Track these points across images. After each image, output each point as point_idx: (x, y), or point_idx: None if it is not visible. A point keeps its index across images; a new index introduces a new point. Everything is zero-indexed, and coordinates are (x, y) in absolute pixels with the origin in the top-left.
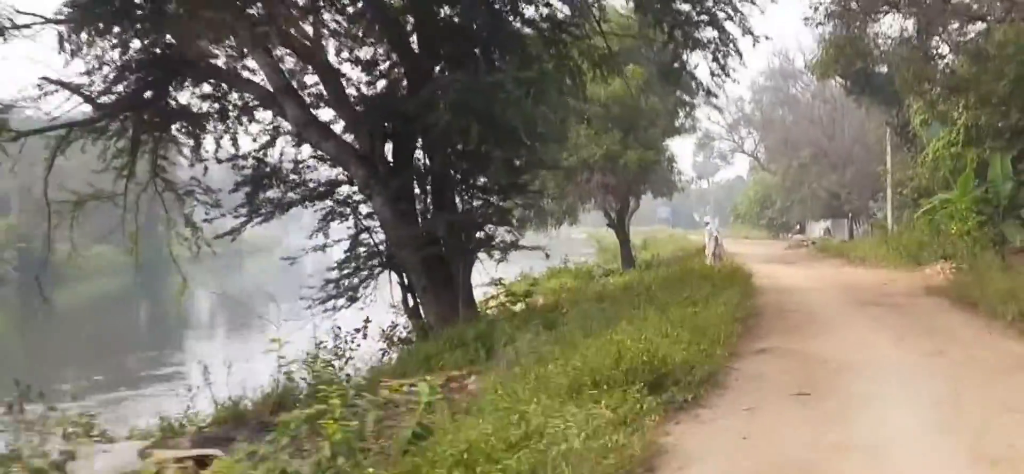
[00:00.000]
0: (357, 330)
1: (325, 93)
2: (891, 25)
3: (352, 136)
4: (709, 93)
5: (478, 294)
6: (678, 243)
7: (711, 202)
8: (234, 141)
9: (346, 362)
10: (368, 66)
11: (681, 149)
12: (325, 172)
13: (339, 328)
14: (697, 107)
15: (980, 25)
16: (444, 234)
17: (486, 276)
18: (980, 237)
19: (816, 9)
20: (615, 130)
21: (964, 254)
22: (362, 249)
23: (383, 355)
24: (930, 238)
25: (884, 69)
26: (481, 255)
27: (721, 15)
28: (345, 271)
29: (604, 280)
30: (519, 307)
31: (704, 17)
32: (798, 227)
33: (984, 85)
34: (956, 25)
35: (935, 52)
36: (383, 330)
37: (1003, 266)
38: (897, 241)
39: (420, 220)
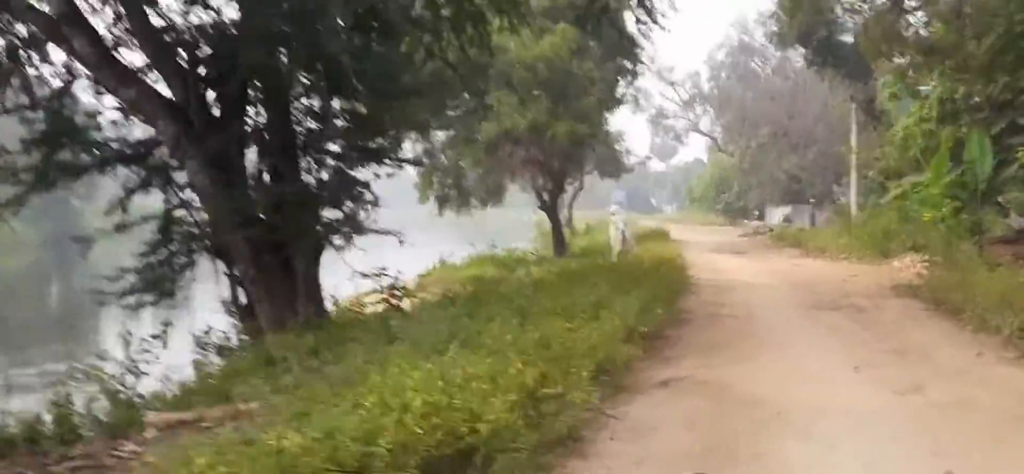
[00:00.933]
0: (154, 336)
1: (125, 21)
2: None
3: (164, 81)
4: (633, 44)
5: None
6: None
7: (669, 185)
8: (26, 87)
9: (138, 379)
10: None
11: (633, 127)
12: (141, 129)
13: (131, 334)
14: (640, 76)
15: None
16: (273, 211)
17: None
18: (955, 226)
19: None
20: (543, 97)
21: (937, 246)
22: (177, 229)
23: (197, 369)
24: (899, 226)
25: (850, 40)
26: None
27: None
28: (153, 258)
29: (521, 271)
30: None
31: None
32: (757, 213)
33: (962, 50)
34: None
35: (906, 16)
36: (196, 336)
37: (984, 260)
38: (862, 230)
39: (251, 193)
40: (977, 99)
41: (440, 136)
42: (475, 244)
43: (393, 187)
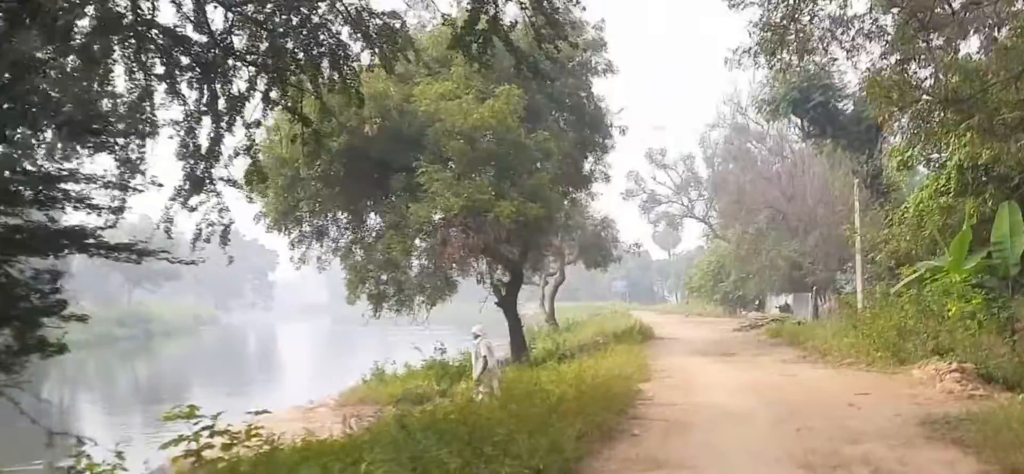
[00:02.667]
0: None
1: None
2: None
3: None
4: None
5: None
6: (613, 323)
7: (672, 274)
8: None
9: None
10: None
11: (628, 214)
12: None
13: None
14: (609, 149)
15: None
16: None
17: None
18: (986, 321)
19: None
20: (485, 173)
21: (967, 348)
22: None
23: None
24: (916, 322)
25: (849, 107)
26: None
27: None
28: None
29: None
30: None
31: None
32: (756, 302)
33: (988, 103)
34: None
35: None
36: None
37: None
38: (871, 326)
39: None
40: (1006, 165)
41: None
42: (421, 347)
43: None
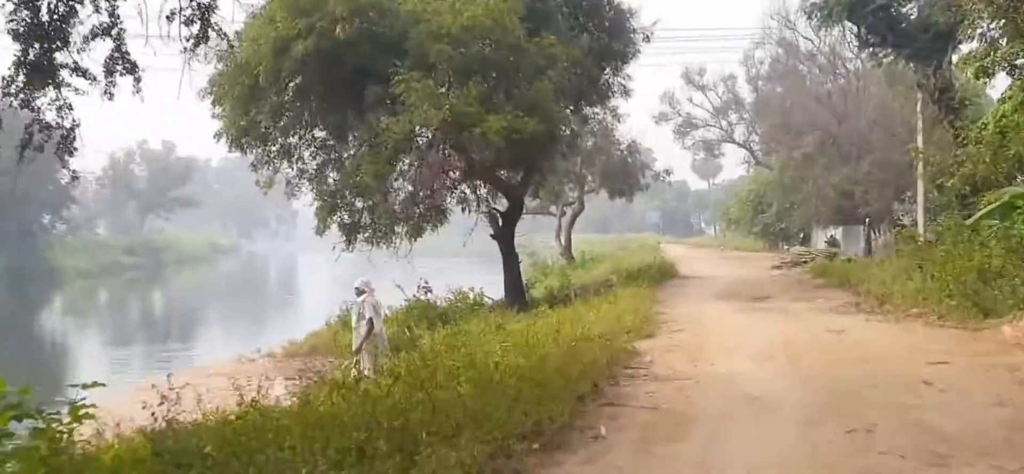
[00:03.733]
0: None
1: None
2: None
3: None
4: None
5: None
6: (638, 258)
7: (712, 205)
8: None
9: None
10: None
11: (659, 139)
12: None
13: None
14: (630, 59)
15: None
16: None
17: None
18: None
19: None
20: (476, 82)
21: None
22: None
23: None
24: (1004, 262)
25: (913, 12)
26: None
27: None
28: None
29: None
30: None
31: None
32: (801, 236)
33: None
34: None
35: None
36: None
37: None
38: (942, 267)
39: None
40: None
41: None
42: (404, 286)
43: None
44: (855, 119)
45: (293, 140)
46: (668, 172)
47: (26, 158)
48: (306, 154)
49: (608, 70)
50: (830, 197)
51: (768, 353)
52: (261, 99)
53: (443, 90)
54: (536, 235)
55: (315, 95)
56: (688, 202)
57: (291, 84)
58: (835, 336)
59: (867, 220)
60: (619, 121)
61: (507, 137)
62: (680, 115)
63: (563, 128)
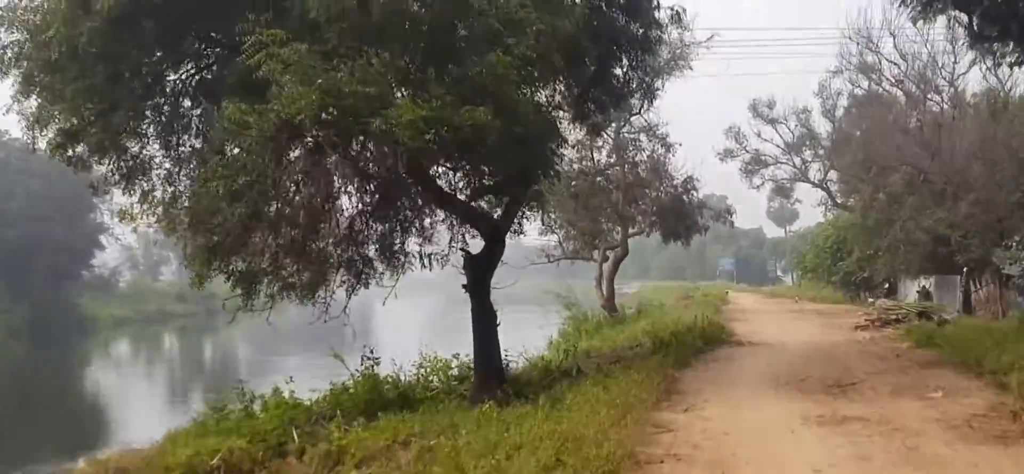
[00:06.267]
0: None
1: None
2: None
3: None
4: None
5: None
6: (689, 313)
7: (787, 253)
8: None
9: None
10: None
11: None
12: None
13: None
14: (656, 43)
15: None
16: None
17: None
18: None
19: None
20: (394, 49)
21: None
22: None
23: None
24: None
25: None
26: None
27: None
28: None
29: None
30: None
31: None
32: (886, 286)
33: None
34: None
35: None
36: None
37: None
38: None
39: None
40: None
41: None
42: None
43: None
44: (950, 153)
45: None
46: (730, 211)
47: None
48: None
49: (626, 61)
50: (921, 242)
51: None
52: (66, 81)
53: (328, 65)
54: (573, 279)
55: (133, 72)
56: (764, 250)
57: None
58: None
59: (965, 269)
60: (669, 150)
61: (431, 136)
62: (747, 151)
63: (525, 117)
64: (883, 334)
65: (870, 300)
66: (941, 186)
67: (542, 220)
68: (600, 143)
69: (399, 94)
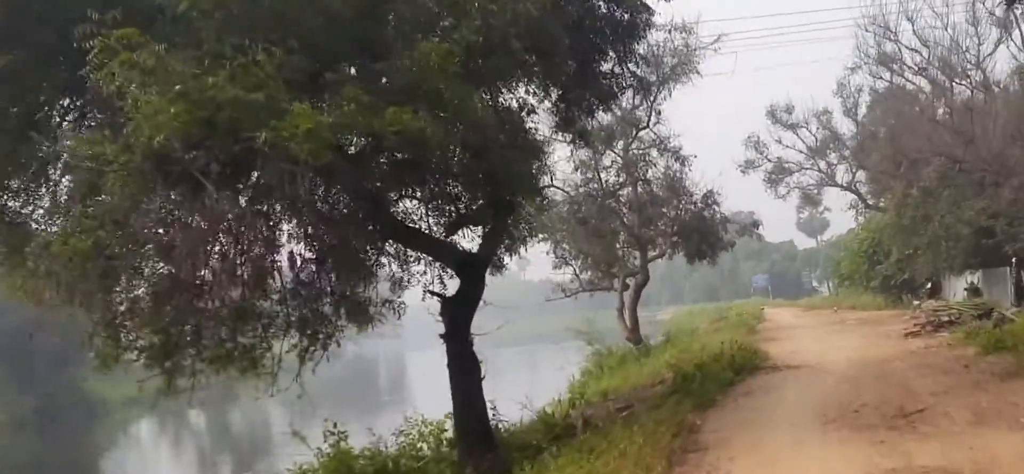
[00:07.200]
0: None
1: None
2: None
3: None
4: None
5: None
6: (721, 336)
7: (821, 262)
8: None
9: None
10: None
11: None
12: None
13: None
14: (640, 35)
15: None
16: None
17: None
18: None
19: None
20: (291, 45)
21: None
22: None
23: None
24: None
25: None
26: None
27: None
28: None
29: None
30: None
31: None
32: (929, 286)
33: None
34: None
35: None
36: None
37: None
38: None
39: None
40: None
41: None
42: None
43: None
44: (984, 138)
45: None
46: (756, 224)
47: None
48: None
49: (613, 55)
50: (963, 236)
51: None
52: None
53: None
54: (597, 311)
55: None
56: (797, 262)
57: None
58: None
59: (1014, 260)
60: (685, 164)
61: (331, 153)
62: (769, 160)
63: (483, 123)
64: (938, 341)
65: (914, 302)
66: (979, 174)
67: (555, 252)
68: (608, 163)
69: (297, 100)
